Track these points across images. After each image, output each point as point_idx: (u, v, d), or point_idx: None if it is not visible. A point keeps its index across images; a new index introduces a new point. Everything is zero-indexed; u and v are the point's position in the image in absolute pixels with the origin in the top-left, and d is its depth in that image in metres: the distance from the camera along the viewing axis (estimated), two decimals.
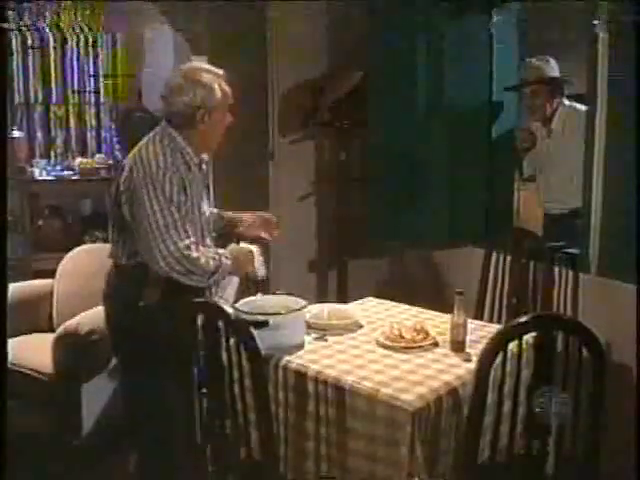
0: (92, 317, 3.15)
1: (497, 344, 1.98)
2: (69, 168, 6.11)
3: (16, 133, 6.02)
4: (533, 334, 1.98)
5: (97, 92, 6.49)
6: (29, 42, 6.30)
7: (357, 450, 2.20)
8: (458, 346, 2.46)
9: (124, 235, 2.47)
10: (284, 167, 4.21)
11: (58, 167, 6.11)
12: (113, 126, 6.48)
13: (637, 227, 2.70)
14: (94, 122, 6.46)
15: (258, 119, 4.20)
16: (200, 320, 2.15)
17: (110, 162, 6.20)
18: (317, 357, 2.40)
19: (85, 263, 3.80)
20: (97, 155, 6.29)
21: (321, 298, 3.97)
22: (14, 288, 3.75)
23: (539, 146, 3.88)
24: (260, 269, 2.58)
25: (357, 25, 4.13)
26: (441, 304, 2.85)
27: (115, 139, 6.50)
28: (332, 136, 4.20)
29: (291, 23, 4.16)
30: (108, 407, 3.30)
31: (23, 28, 6.21)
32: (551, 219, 3.79)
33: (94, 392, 3.16)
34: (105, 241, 3.95)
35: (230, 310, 2.10)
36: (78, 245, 4.18)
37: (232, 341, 2.11)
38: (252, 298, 2.51)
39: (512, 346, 1.97)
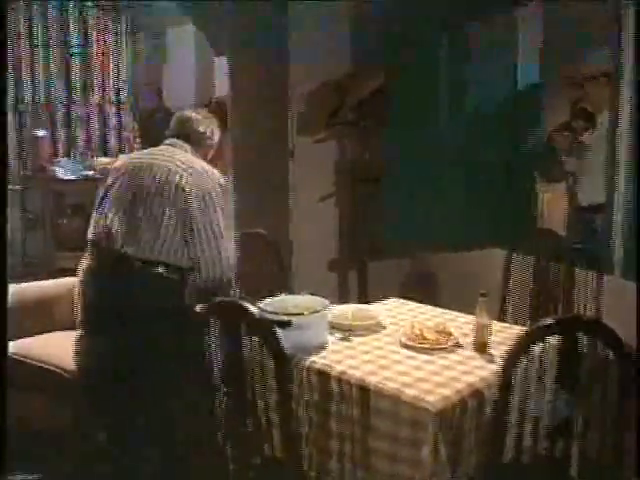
0: None
1: (521, 346, 1.98)
2: (91, 167, 6.16)
3: (40, 132, 6.08)
4: (557, 337, 1.97)
5: (118, 92, 6.54)
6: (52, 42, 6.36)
7: (380, 450, 2.20)
8: (482, 348, 2.45)
9: (158, 233, 2.54)
10: (305, 166, 4.21)
11: (80, 166, 6.16)
12: (135, 126, 6.53)
13: (637, 228, 2.68)
14: (115, 121, 6.51)
15: (279, 119, 4.22)
16: (224, 319, 2.16)
17: None
18: (341, 357, 2.40)
19: None
20: (119, 155, 6.34)
21: (342, 298, 3.98)
22: (36, 286, 3.79)
23: (576, 147, 3.84)
24: None
25: (379, 24, 4.13)
26: (463, 305, 2.85)
27: (136, 139, 6.55)
28: (354, 136, 4.20)
29: (313, 22, 4.17)
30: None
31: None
32: (575, 220, 3.77)
33: None
34: None
35: (254, 309, 2.11)
36: None
37: (256, 340, 2.12)
38: (275, 298, 2.52)
39: (536, 348, 1.97)
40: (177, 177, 2.58)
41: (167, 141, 2.79)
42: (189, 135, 2.80)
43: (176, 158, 2.67)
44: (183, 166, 2.62)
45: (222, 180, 2.69)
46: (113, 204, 2.61)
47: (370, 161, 4.15)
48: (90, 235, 2.63)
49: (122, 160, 2.83)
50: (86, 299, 2.66)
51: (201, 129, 2.83)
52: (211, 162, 2.80)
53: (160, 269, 2.54)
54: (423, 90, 3.87)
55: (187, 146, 2.76)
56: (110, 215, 2.58)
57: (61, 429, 3.23)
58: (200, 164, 2.69)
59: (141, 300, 2.54)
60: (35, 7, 6.22)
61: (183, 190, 2.56)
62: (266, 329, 2.10)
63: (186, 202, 2.55)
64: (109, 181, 2.69)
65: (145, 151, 2.87)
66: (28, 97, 6.24)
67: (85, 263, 2.69)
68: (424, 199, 3.83)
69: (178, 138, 2.78)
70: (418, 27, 3.88)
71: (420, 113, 3.84)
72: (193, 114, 2.87)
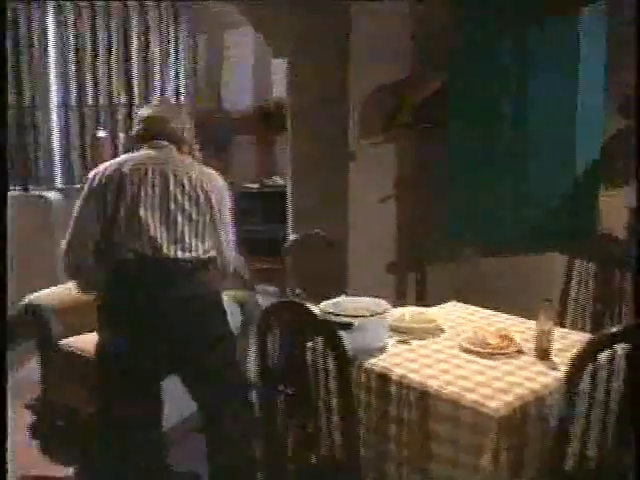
0: None
1: (587, 354, 1.96)
2: None
3: (101, 133, 6.21)
4: (624, 345, 1.94)
5: (177, 93, 6.63)
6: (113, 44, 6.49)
7: (439, 455, 2.19)
8: (544, 354, 2.42)
9: (192, 229, 2.64)
10: (365, 168, 4.21)
11: None
12: (192, 127, 6.62)
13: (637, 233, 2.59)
14: None
15: (339, 120, 4.23)
16: (286, 320, 2.18)
17: None
18: (400, 361, 2.40)
19: None
20: None
21: (399, 300, 3.97)
22: None
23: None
24: None
25: (439, 26, 4.10)
26: (521, 310, 2.81)
27: (194, 140, 6.64)
28: (413, 138, 4.19)
29: (373, 23, 4.17)
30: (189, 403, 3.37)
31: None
32: (637, 226, 3.68)
33: (177, 385, 3.21)
34: None
35: (317, 311, 2.12)
36: None
37: (318, 341, 2.13)
38: (336, 299, 2.53)
39: (602, 356, 1.94)
40: (198, 182, 2.67)
41: (152, 143, 2.74)
42: (170, 134, 2.78)
43: (179, 160, 2.73)
44: (193, 168, 2.73)
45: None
46: (139, 212, 2.58)
47: (429, 163, 4.13)
48: (131, 244, 2.56)
49: (111, 167, 2.67)
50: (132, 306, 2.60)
51: (177, 125, 2.83)
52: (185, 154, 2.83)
53: (197, 265, 2.63)
54: (484, 91, 3.83)
55: (172, 146, 2.76)
56: (149, 223, 2.57)
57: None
58: (199, 166, 2.79)
59: (192, 298, 2.61)
60: (97, 9, 6.36)
61: (207, 192, 2.68)
62: (329, 330, 2.11)
63: (209, 201, 2.68)
64: (111, 188, 2.62)
65: (136, 156, 2.72)
66: (90, 99, 6.38)
67: (121, 272, 2.61)
68: (485, 202, 3.79)
69: (160, 139, 2.75)
70: (480, 28, 3.84)
71: (481, 114, 3.80)
72: (162, 112, 2.86)
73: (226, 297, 3.48)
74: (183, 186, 2.63)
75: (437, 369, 2.34)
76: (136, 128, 2.83)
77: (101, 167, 2.69)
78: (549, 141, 3.69)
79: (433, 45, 4.12)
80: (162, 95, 6.53)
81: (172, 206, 2.61)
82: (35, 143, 6.17)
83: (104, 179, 2.62)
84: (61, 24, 6.38)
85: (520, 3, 3.66)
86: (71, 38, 6.43)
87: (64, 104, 6.27)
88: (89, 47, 6.47)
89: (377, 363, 2.37)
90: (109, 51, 6.50)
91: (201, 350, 2.65)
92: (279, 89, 6.84)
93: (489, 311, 2.98)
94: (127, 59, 6.54)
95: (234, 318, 3.45)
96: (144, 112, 2.86)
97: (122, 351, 2.58)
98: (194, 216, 2.63)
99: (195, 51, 6.68)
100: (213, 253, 2.68)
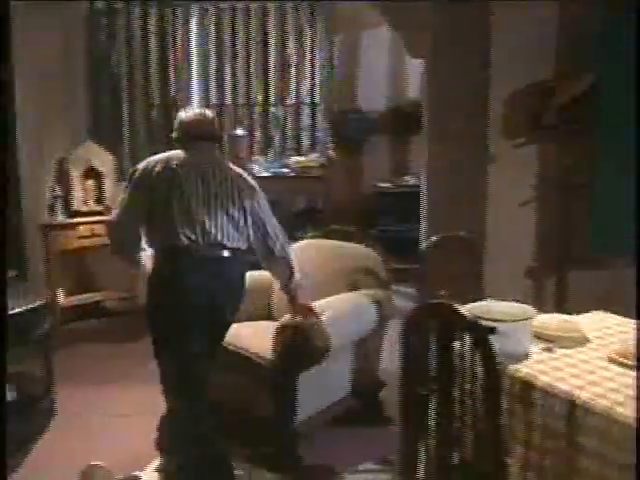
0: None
1: None
2: (285, 166, 6.41)
3: (238, 132, 6.41)
4: None
5: (313, 93, 6.73)
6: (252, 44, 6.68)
7: (585, 469, 2.11)
8: None
9: (235, 225, 3.02)
10: (505, 170, 4.12)
11: (275, 164, 6.42)
12: (328, 126, 6.70)
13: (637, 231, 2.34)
14: (309, 122, 6.72)
15: (478, 121, 4.15)
16: (436, 320, 2.17)
17: (323, 161, 6.43)
18: (546, 368, 2.33)
19: (305, 257, 3.95)
20: (311, 154, 6.54)
21: (537, 306, 3.84)
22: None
23: None
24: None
25: (587, 24, 3.95)
26: None
27: (329, 139, 6.72)
28: (557, 140, 4.05)
29: (516, 22, 4.08)
30: (323, 397, 3.42)
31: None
32: None
33: (310, 380, 3.27)
34: (320, 237, 4.11)
35: (466, 313, 2.10)
36: (291, 239, 4.22)
37: (467, 343, 2.11)
38: (481, 303, 2.49)
39: None
40: (235, 182, 3.07)
41: (197, 143, 3.11)
42: (212, 136, 3.18)
43: (220, 160, 3.16)
44: (230, 168, 3.14)
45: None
46: (190, 204, 2.94)
47: (575, 166, 3.98)
48: (193, 236, 2.90)
49: (161, 162, 3.01)
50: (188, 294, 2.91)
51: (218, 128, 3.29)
52: None
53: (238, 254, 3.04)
54: (632, 92, 3.65)
55: (213, 146, 3.17)
56: (202, 217, 2.94)
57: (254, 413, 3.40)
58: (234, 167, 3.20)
59: (240, 282, 3.11)
60: (236, 10, 6.56)
61: (241, 190, 3.07)
62: (480, 333, 2.08)
63: (242, 200, 3.05)
64: (161, 180, 2.97)
65: (182, 154, 3.06)
66: (228, 98, 6.59)
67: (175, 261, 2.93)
68: (633, 209, 3.60)
69: (202, 140, 3.12)
70: (625, 27, 3.67)
71: (630, 116, 3.62)
72: (208, 114, 3.23)
73: (364, 297, 3.51)
74: (221, 184, 3.01)
75: (585, 380, 2.25)
76: (181, 129, 3.15)
77: (152, 161, 3.03)
78: None
79: (578, 45, 3.98)
80: (297, 95, 6.67)
81: (215, 201, 2.98)
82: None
83: (154, 172, 2.97)
84: (203, 25, 6.63)
85: None
86: (212, 39, 6.68)
87: (204, 102, 6.51)
88: (228, 47, 6.69)
89: (521, 369, 2.32)
90: (248, 50, 6.70)
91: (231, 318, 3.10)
92: (415, 89, 6.83)
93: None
94: (265, 59, 6.71)
95: (370, 317, 3.47)
96: (189, 114, 3.21)
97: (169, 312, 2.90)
98: (231, 211, 3.00)
99: (331, 51, 6.75)
100: (245, 245, 3.07)
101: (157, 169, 2.97)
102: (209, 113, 3.24)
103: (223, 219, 2.97)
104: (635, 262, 2.60)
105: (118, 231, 3.06)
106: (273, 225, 3.19)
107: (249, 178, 3.19)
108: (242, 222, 3.04)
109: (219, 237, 2.93)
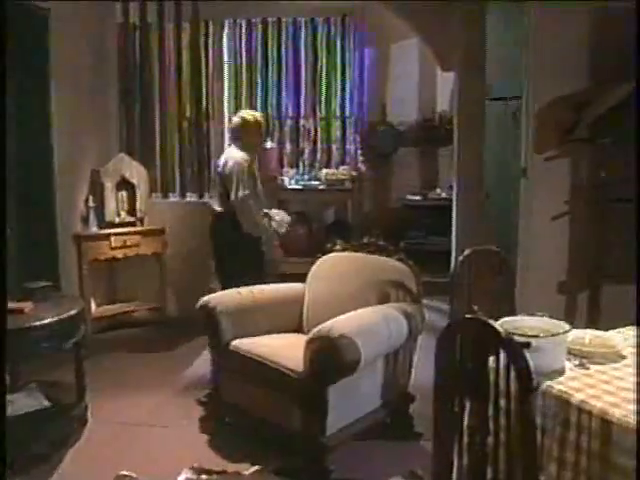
0: (344, 322, 3.27)
1: None
2: (316, 178, 6.44)
3: (269, 144, 6.46)
4: None
5: (343, 106, 6.77)
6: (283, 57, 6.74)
7: None
8: None
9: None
10: (537, 183, 4.09)
11: (306, 176, 6.46)
12: (357, 139, 6.73)
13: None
14: (339, 135, 6.76)
15: (509, 135, 4.14)
16: (470, 335, 2.16)
17: (353, 173, 6.45)
18: (579, 385, 2.30)
19: (336, 270, 3.96)
20: (341, 167, 6.57)
21: (568, 321, 3.80)
22: (270, 288, 4.03)
23: None
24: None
25: (622, 36, 3.92)
26: None
27: (359, 151, 6.75)
28: (590, 153, 4.01)
29: (549, 37, 4.06)
30: (353, 410, 3.41)
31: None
32: None
33: (341, 393, 3.27)
34: (350, 249, 4.10)
35: (500, 328, 2.08)
36: (321, 251, 4.25)
37: (501, 359, 2.09)
38: (514, 317, 2.48)
39: None
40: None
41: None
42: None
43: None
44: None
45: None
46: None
47: (608, 180, 3.94)
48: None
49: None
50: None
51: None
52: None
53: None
54: None
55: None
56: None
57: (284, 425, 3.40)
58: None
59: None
60: (267, 23, 6.63)
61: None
62: (514, 349, 2.07)
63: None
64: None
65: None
66: (259, 111, 6.64)
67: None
68: None
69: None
70: None
71: None
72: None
73: (395, 309, 3.51)
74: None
75: (619, 397, 2.22)
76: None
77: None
78: None
79: (612, 57, 3.94)
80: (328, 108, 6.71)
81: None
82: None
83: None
84: (235, 39, 6.71)
85: None
86: (243, 52, 6.76)
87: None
88: (260, 60, 6.76)
89: (554, 386, 2.29)
90: (280, 64, 6.76)
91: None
92: (444, 102, 6.83)
93: None
94: (296, 72, 6.77)
95: (400, 330, 3.46)
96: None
97: None
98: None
99: (362, 64, 6.79)
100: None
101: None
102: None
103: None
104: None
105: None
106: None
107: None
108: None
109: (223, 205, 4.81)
